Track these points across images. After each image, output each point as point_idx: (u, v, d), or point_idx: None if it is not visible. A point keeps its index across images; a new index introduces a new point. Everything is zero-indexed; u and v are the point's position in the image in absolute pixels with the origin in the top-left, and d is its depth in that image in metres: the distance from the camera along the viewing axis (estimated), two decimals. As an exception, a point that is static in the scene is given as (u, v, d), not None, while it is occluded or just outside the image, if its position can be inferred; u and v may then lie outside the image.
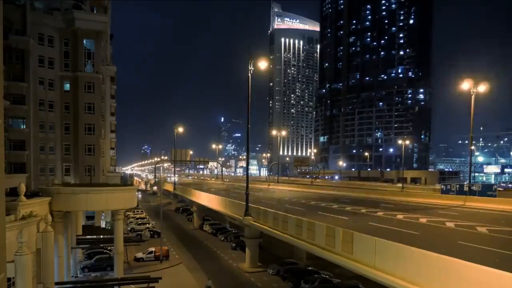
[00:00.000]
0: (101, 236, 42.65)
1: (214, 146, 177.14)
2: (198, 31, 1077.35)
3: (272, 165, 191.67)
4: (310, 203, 47.83)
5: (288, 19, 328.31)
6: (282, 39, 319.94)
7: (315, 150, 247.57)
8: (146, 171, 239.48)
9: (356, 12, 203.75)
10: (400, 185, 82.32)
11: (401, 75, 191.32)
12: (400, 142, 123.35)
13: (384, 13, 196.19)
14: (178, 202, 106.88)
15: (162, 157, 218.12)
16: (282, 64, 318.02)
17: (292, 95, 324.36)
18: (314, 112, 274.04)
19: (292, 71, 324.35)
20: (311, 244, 25.43)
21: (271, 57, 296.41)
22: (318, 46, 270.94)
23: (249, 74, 36.21)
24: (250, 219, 36.64)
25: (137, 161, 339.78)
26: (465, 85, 44.46)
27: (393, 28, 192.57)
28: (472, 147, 59.43)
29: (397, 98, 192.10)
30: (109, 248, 40.61)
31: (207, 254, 48.00)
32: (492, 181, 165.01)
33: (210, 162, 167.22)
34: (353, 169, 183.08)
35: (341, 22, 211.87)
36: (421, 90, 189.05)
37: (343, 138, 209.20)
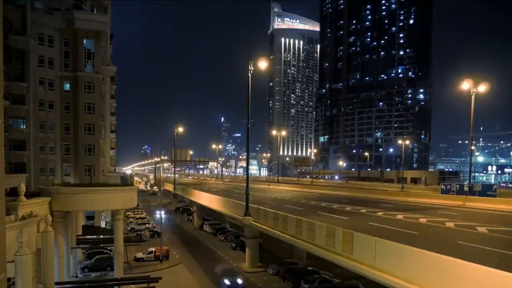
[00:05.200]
0: (101, 236, 42.69)
1: (214, 146, 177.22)
2: (198, 31, 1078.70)
3: (272, 165, 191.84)
4: (310, 203, 47.81)
5: (288, 19, 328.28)
6: (282, 39, 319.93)
7: (315, 150, 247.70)
8: (146, 171, 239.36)
9: (356, 12, 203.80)
10: (400, 185, 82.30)
11: (401, 75, 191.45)
12: (400, 142, 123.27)
13: (384, 13, 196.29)
14: (178, 202, 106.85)
15: (162, 157, 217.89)
16: (282, 64, 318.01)
17: (292, 95, 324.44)
18: (314, 112, 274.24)
19: (292, 71, 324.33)
20: (311, 244, 25.41)
21: (271, 57, 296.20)
22: (318, 46, 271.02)
23: (249, 74, 36.19)
24: (250, 219, 36.63)
25: (137, 161, 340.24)
26: (465, 85, 44.46)
27: (393, 28, 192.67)
28: (472, 147, 59.39)
29: (397, 98, 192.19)
30: (109, 248, 40.63)
31: (207, 254, 47.96)
32: (492, 181, 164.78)
33: (210, 162, 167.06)
34: (353, 169, 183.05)
35: (341, 22, 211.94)
36: (421, 90, 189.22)
37: (343, 138, 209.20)
